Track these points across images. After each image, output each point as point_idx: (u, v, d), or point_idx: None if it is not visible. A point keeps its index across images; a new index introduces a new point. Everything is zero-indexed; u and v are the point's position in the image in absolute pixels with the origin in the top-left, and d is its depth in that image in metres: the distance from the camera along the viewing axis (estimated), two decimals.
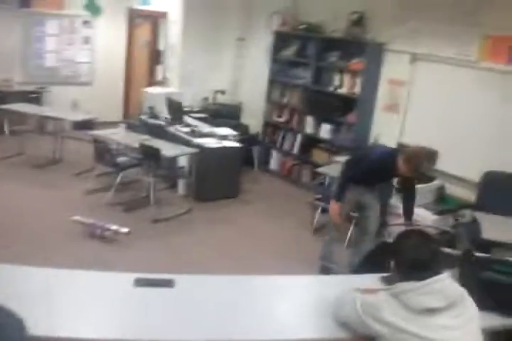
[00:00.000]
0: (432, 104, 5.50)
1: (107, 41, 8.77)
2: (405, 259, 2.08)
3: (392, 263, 2.12)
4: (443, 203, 5.17)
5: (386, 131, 6.01)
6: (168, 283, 2.50)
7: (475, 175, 4.79)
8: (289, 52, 7.00)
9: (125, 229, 4.71)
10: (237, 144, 6.21)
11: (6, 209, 5.22)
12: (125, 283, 2.46)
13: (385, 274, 2.50)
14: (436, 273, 2.01)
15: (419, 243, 2.09)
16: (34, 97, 8.08)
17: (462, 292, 2.05)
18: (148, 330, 2.14)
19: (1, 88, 7.80)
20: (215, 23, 7.82)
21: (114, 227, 4.73)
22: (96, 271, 2.66)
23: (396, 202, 5.11)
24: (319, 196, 5.47)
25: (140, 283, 2.48)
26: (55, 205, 5.47)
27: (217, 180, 5.94)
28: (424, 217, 4.86)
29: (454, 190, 5.23)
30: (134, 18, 8.94)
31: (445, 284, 2.01)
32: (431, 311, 1.94)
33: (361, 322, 2.07)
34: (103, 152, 5.69)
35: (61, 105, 8.21)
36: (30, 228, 4.87)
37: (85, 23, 8.58)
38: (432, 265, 2.04)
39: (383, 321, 1.99)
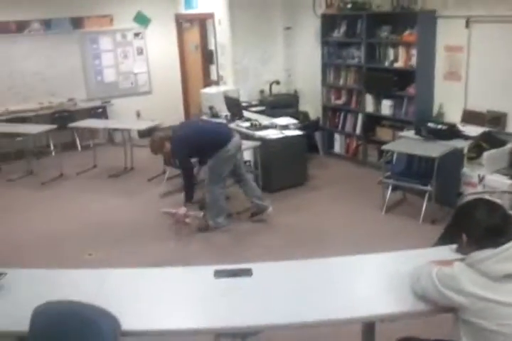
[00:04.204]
0: (494, 67, 5.26)
1: (159, 49, 9.01)
2: (478, 228, 2.03)
3: (463, 234, 2.08)
4: None
5: (449, 99, 5.82)
6: (246, 273, 2.57)
7: None
8: (339, 33, 6.91)
9: (201, 213, 5.02)
10: (298, 132, 6.21)
11: (89, 218, 5.52)
12: (206, 276, 2.55)
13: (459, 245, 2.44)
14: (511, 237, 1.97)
15: (488, 209, 2.05)
16: (99, 112, 8.46)
17: None
18: (233, 318, 2.22)
19: (67, 107, 8.18)
20: (260, 16, 7.83)
21: (192, 213, 4.97)
22: (179, 266, 2.83)
23: (469, 171, 4.96)
24: (388, 174, 5.40)
25: (220, 274, 2.57)
26: (134, 210, 5.73)
27: (283, 169, 5.99)
28: (500, 182, 4.68)
29: None
30: (182, 22, 9.13)
31: None
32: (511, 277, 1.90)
33: (439, 293, 2.06)
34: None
35: (125, 116, 8.57)
36: (115, 233, 5.13)
37: (136, 34, 8.86)
38: (506, 230, 2.00)
39: (463, 292, 1.96)
